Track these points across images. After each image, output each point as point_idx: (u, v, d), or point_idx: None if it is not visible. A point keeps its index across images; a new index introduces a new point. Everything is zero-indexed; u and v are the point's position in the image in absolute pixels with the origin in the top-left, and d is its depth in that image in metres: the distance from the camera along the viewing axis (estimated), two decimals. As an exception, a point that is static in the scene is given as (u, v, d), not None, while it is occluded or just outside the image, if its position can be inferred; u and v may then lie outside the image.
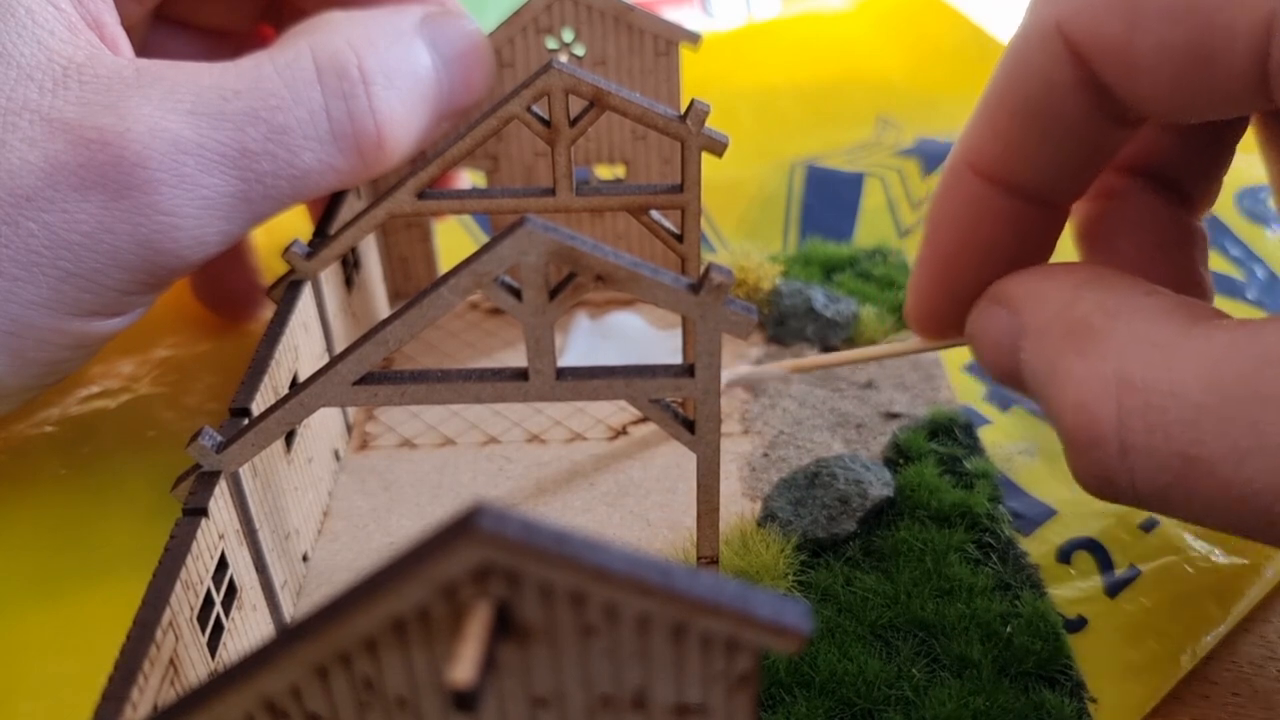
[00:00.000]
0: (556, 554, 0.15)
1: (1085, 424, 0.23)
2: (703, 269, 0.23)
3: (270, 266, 0.44)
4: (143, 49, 0.37)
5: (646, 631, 0.16)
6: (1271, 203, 0.46)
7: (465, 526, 0.14)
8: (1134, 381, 0.22)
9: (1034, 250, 0.28)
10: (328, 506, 0.35)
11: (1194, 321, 0.22)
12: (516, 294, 0.23)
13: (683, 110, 0.33)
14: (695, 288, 0.23)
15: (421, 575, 0.15)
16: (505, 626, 0.16)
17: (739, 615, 0.15)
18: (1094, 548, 0.31)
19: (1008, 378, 0.26)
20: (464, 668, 0.14)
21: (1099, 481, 0.23)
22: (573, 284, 0.23)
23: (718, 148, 0.32)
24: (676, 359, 0.40)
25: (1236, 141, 0.30)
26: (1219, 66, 0.23)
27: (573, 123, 0.31)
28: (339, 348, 0.37)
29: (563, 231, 0.22)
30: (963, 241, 0.28)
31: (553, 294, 0.23)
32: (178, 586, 0.23)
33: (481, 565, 0.15)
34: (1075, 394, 0.23)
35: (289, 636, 0.16)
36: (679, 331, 0.42)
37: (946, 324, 0.29)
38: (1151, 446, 0.22)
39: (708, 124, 0.32)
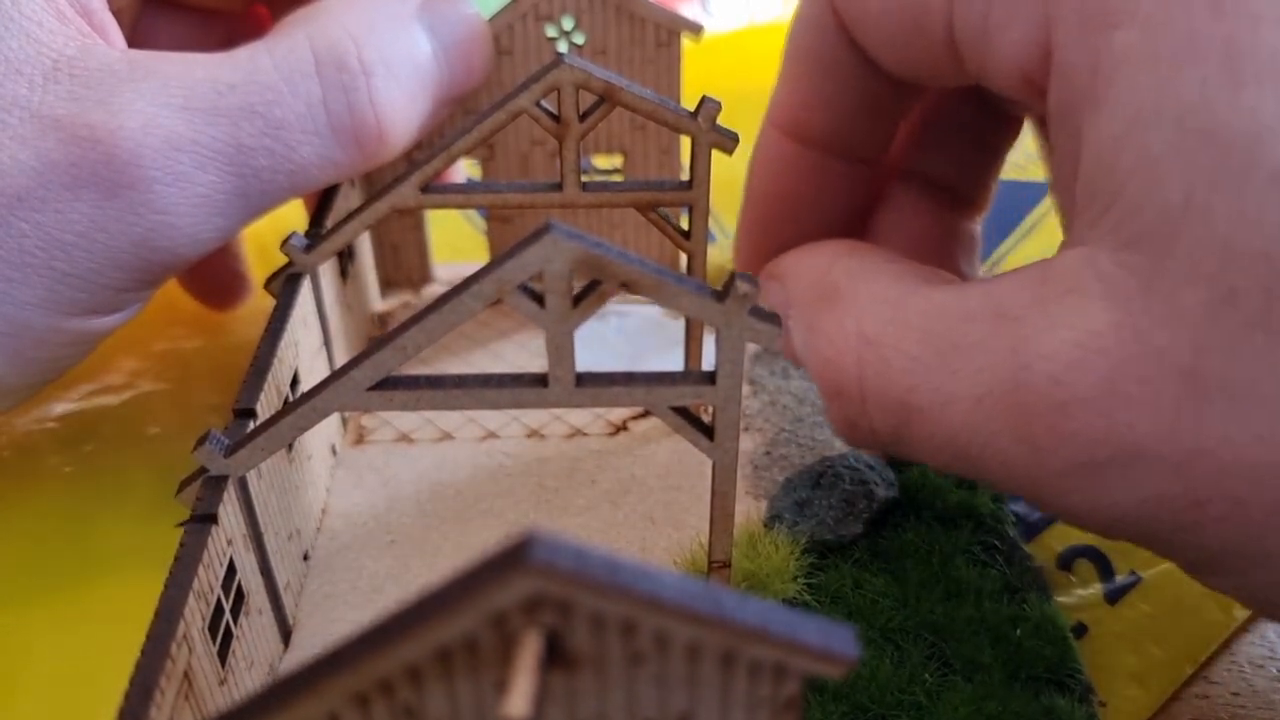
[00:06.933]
0: (609, 584, 0.14)
1: (832, 375, 0.25)
2: (726, 277, 0.23)
3: (268, 257, 0.43)
4: (132, 31, 0.36)
5: (696, 659, 0.16)
6: None
7: (517, 557, 0.14)
8: (869, 336, 0.24)
9: (841, 205, 0.30)
10: (326, 504, 0.34)
11: (923, 282, 0.24)
12: (539, 300, 0.23)
13: (685, 104, 0.32)
14: (720, 296, 0.23)
15: (471, 605, 0.15)
16: (553, 655, 0.15)
17: (789, 642, 0.15)
18: (1094, 555, 0.32)
19: (783, 346, 0.28)
20: (518, 701, 0.14)
21: (846, 427, 0.25)
22: (596, 291, 0.23)
23: (728, 145, 0.31)
24: (675, 350, 0.40)
25: (1008, 146, 0.31)
26: (926, 34, 0.24)
27: (582, 118, 0.31)
28: (336, 341, 0.37)
29: (588, 239, 0.22)
30: (770, 195, 0.30)
31: (576, 301, 0.23)
32: (190, 598, 0.22)
33: (533, 596, 0.14)
34: (824, 349, 0.25)
35: (330, 664, 0.15)
36: (677, 323, 0.41)
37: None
38: (881, 394, 0.24)
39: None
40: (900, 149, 0.31)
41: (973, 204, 0.32)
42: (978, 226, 0.32)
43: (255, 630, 0.27)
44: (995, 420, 0.21)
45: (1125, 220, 0.20)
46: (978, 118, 0.30)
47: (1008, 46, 0.22)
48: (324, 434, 0.35)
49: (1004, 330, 0.22)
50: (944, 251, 0.31)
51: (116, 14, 0.32)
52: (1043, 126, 0.29)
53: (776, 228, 0.30)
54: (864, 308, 0.24)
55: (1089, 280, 0.20)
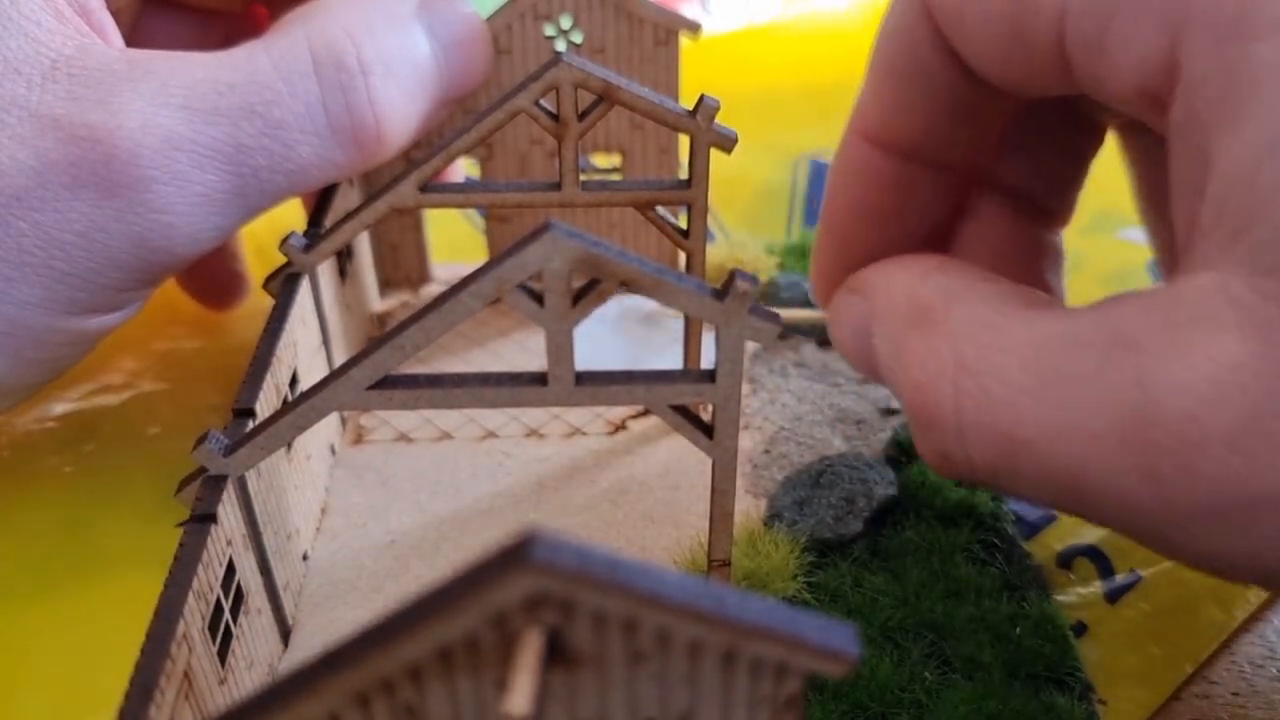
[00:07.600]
0: (610, 582, 0.14)
1: (925, 404, 0.23)
2: (726, 276, 0.23)
3: (266, 257, 0.43)
4: (131, 31, 0.36)
5: (697, 657, 0.16)
6: None
7: (518, 555, 0.14)
8: (967, 363, 0.22)
9: (926, 216, 0.29)
10: (325, 503, 0.34)
11: (1026, 306, 0.23)
12: (538, 299, 0.23)
13: (683, 103, 0.32)
14: (720, 295, 0.23)
15: (471, 604, 0.15)
16: (554, 653, 0.15)
17: (790, 640, 0.15)
18: (1094, 554, 0.32)
19: (863, 363, 0.27)
20: (519, 699, 0.14)
21: (939, 459, 0.24)
22: (596, 290, 0.23)
23: (727, 144, 0.31)
24: (674, 349, 0.40)
25: (1092, 157, 0.30)
26: (1031, 43, 0.23)
27: (581, 117, 0.31)
28: (335, 340, 0.37)
29: (587, 238, 0.22)
30: (853, 208, 0.29)
31: (575, 299, 0.23)
32: (190, 597, 0.22)
33: (534, 594, 0.14)
34: (916, 375, 0.23)
35: (331, 663, 0.15)
36: (676, 321, 0.41)
37: None
38: (981, 426, 0.22)
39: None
40: (985, 159, 0.30)
41: (1057, 215, 0.30)
42: (1061, 238, 0.30)
43: (255, 630, 0.27)
44: (1117, 457, 0.20)
45: (1265, 245, 0.19)
46: (1064, 125, 0.29)
47: (1128, 58, 0.21)
48: (323, 433, 0.35)
49: (1125, 359, 0.20)
50: (1030, 265, 0.30)
51: (115, 14, 0.32)
52: (1131, 138, 0.28)
53: (858, 239, 0.29)
54: (960, 332, 0.23)
55: (1222, 308, 0.19)
